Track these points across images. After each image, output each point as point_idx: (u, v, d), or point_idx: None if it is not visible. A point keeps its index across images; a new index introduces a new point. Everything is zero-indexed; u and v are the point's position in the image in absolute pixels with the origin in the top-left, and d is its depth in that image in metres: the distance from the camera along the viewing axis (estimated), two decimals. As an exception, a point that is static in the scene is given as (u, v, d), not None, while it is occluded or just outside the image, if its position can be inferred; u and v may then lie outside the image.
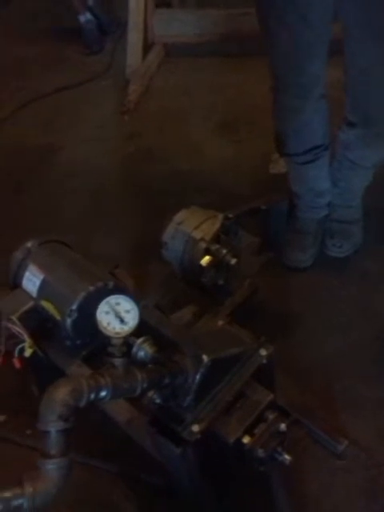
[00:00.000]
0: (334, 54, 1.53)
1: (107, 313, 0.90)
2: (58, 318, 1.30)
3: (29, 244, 1.42)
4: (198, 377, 0.95)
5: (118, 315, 0.90)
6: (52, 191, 2.31)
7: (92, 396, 0.81)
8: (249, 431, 1.04)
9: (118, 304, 0.92)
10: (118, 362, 0.88)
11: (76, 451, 1.37)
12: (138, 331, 1.00)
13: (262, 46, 1.57)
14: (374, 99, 1.53)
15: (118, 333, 0.88)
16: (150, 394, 1.02)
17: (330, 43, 1.51)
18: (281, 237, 1.83)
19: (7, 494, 0.80)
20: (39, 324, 1.37)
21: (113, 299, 0.91)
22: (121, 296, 0.92)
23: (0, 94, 2.89)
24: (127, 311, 0.91)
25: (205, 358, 0.95)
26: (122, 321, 0.90)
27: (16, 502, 0.79)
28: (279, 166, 2.15)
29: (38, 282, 1.34)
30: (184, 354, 0.97)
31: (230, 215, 1.38)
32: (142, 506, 1.39)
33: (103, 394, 0.82)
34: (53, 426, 0.76)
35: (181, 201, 2.14)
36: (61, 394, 0.78)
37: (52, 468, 0.76)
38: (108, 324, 0.89)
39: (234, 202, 2.04)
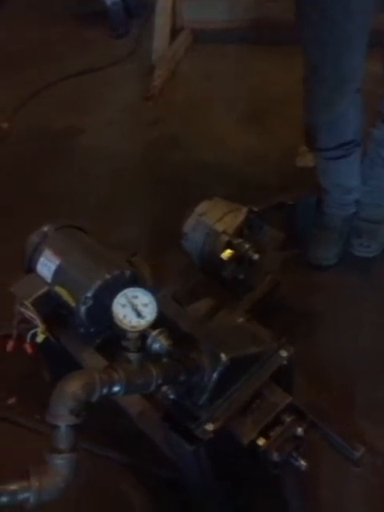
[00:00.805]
0: (372, 45, 1.46)
1: (124, 306, 0.85)
2: (73, 304, 1.27)
3: (45, 228, 1.39)
4: (215, 375, 0.91)
5: (134, 308, 0.85)
6: (72, 176, 2.27)
7: (105, 391, 0.77)
8: (264, 433, 1.00)
9: (135, 297, 0.87)
10: (132, 356, 0.84)
11: (87, 439, 1.37)
12: (154, 322, 0.97)
13: (293, 34, 1.51)
14: None
15: (134, 326, 0.84)
16: (164, 388, 0.98)
17: (369, 34, 1.45)
18: (307, 233, 1.78)
19: (13, 487, 0.77)
20: (52, 309, 1.35)
21: (130, 292, 0.87)
22: (139, 289, 0.88)
23: (23, 74, 2.86)
24: (145, 305, 0.87)
25: (223, 356, 0.91)
26: (139, 314, 0.85)
27: (22, 496, 0.76)
28: (306, 159, 2.08)
29: (53, 267, 1.32)
30: (201, 351, 0.92)
31: (255, 209, 1.33)
32: (151, 498, 1.37)
33: (116, 389, 0.78)
34: (63, 421, 0.72)
35: (202, 191, 2.10)
36: (73, 387, 0.74)
37: (60, 463, 0.72)
38: (124, 317, 0.85)
39: (257, 194, 2.00)
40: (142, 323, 0.85)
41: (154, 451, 1.24)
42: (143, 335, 0.89)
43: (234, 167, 2.22)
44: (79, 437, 0.76)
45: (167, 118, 2.54)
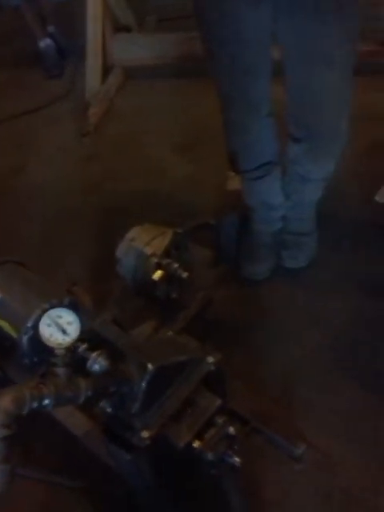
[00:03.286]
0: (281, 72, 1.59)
1: (49, 325, 0.93)
2: (15, 336, 1.32)
3: (-15, 265, 1.44)
4: (143, 384, 0.98)
5: (60, 327, 0.93)
6: (12, 214, 2.33)
7: (35, 404, 0.84)
8: (199, 436, 1.07)
9: (59, 317, 0.95)
10: (60, 371, 0.91)
11: (38, 468, 1.41)
12: (95, 345, 1.04)
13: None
14: (313, 116, 1.59)
15: (60, 344, 0.92)
16: (101, 403, 1.05)
17: (274, 63, 1.57)
18: (233, 249, 1.87)
19: None
20: (-3, 344, 1.39)
21: (54, 312, 0.95)
22: (62, 309, 0.95)
23: None
24: (69, 323, 0.94)
25: (149, 365, 0.98)
26: (64, 332, 0.93)
27: None
28: (236, 182, 2.18)
29: (-6, 302, 1.36)
30: (129, 363, 1.00)
31: (180, 230, 1.43)
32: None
33: (46, 402, 0.85)
34: (-5, 433, 0.79)
35: (141, 219, 2.20)
36: (3, 402, 0.81)
37: (-6, 473, 0.78)
38: (50, 336, 0.92)
39: (191, 218, 2.10)
40: (68, 340, 0.93)
41: (105, 470, 1.29)
42: (82, 356, 0.96)
43: (171, 194, 2.32)
44: (13, 450, 0.81)
45: (104, 152, 2.64)
